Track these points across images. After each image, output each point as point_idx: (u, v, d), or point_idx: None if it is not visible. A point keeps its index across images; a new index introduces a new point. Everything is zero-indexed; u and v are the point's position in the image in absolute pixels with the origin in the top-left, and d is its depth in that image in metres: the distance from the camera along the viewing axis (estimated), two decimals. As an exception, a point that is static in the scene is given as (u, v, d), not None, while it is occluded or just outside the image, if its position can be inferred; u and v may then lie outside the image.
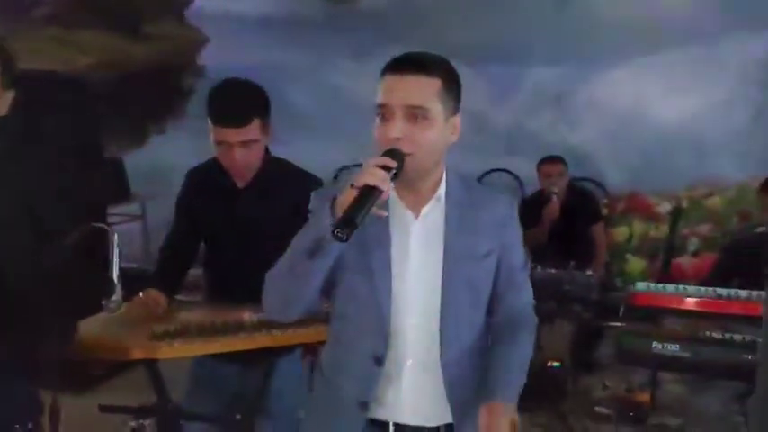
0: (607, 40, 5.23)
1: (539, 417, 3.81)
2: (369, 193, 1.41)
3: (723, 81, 5.07)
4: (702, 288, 2.88)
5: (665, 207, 5.37)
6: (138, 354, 1.97)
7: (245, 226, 2.30)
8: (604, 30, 5.22)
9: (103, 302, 2.13)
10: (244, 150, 2.22)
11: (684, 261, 5.28)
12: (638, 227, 5.47)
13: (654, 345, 2.77)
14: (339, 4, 6.03)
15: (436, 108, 1.52)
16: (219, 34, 6.19)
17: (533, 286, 1.74)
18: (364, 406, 1.61)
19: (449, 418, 1.65)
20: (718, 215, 5.24)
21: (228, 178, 2.33)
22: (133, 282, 2.27)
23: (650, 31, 5.13)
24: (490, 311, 1.68)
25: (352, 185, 1.43)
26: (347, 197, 1.43)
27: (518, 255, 1.69)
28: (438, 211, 1.61)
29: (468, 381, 1.62)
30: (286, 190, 2.29)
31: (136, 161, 6.28)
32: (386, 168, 1.44)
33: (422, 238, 1.60)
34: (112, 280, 2.09)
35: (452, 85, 1.57)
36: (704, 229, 5.28)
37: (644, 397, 4.04)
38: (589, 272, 4.06)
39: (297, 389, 2.39)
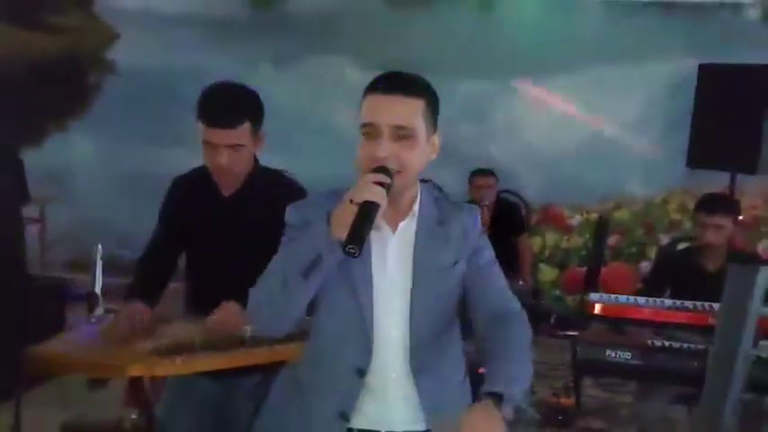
0: (528, 59, 5.45)
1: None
2: (371, 209, 1.45)
3: (633, 103, 5.39)
4: (651, 300, 3.05)
5: (576, 219, 5.64)
6: (136, 371, 1.87)
7: (231, 236, 2.22)
8: (526, 48, 5.43)
9: (88, 317, 2.03)
10: (232, 154, 2.16)
11: (594, 271, 5.56)
12: (551, 237, 5.72)
13: (608, 353, 2.91)
14: (264, 9, 5.95)
15: (420, 128, 1.58)
16: (133, 30, 5.94)
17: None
18: (344, 416, 1.62)
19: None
20: (625, 227, 5.56)
21: (214, 186, 2.25)
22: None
23: (568, 52, 5.38)
24: (470, 319, 1.71)
25: (351, 201, 1.45)
26: (345, 213, 1.46)
27: (486, 254, 1.72)
28: (413, 225, 1.66)
29: (442, 388, 1.65)
30: (274, 201, 2.12)
31: (32, 161, 5.92)
32: (381, 185, 1.49)
33: (398, 252, 1.64)
34: (97, 294, 1.99)
35: (434, 105, 1.64)
36: (613, 240, 5.58)
37: (569, 401, 4.23)
38: (520, 281, 4.21)
39: None
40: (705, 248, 3.36)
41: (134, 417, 2.69)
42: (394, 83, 1.56)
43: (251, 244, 2.11)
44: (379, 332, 1.60)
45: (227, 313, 2.10)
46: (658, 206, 5.41)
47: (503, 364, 1.54)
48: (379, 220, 1.55)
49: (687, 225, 5.21)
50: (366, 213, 1.44)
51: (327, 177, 1.83)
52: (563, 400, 4.26)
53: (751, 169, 4.21)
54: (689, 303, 2.99)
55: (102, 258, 2.12)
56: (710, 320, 2.89)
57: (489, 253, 1.73)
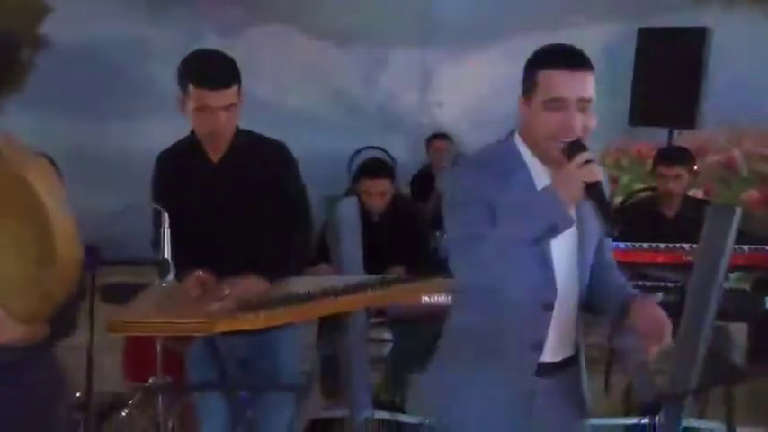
0: (472, 26, 5.67)
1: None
2: (601, 188, 1.70)
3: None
4: (630, 243, 3.34)
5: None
6: (223, 327, 1.98)
7: (225, 200, 2.29)
8: (469, 16, 5.66)
9: (158, 282, 2.12)
10: (226, 115, 2.22)
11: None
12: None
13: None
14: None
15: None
16: (68, 3, 5.78)
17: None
18: (538, 347, 1.85)
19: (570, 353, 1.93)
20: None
21: (202, 154, 2.32)
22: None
23: (509, 19, 5.64)
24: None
25: (585, 183, 1.67)
26: (575, 189, 1.67)
27: None
28: None
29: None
30: (263, 161, 2.32)
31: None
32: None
33: None
34: (167, 260, 2.08)
35: None
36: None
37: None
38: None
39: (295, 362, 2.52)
40: (665, 196, 3.70)
41: (166, 380, 2.78)
42: (578, 60, 1.76)
43: (245, 206, 2.26)
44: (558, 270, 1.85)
45: (200, 276, 2.17)
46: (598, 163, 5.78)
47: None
48: (545, 176, 1.81)
49: (624, 180, 5.62)
50: (601, 192, 1.69)
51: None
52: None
53: (690, 124, 4.62)
54: (662, 245, 3.30)
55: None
56: (684, 259, 3.21)
57: None
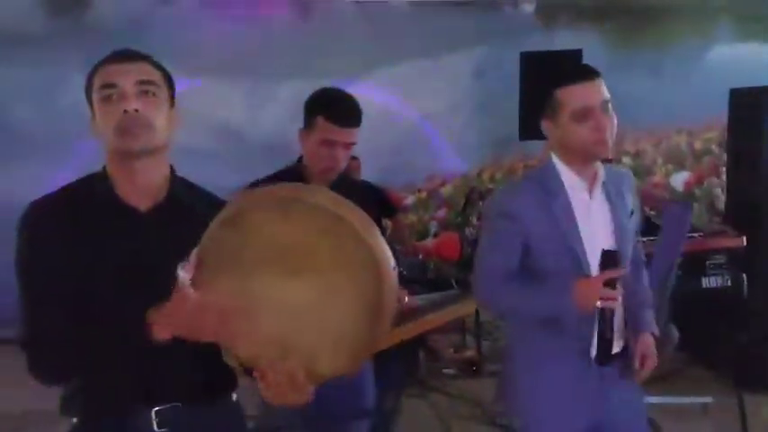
0: (350, 58, 5.87)
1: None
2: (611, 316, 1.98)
3: (446, 90, 6.11)
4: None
5: (410, 199, 6.24)
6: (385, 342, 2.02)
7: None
8: (346, 49, 5.86)
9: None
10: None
11: (428, 242, 6.23)
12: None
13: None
14: (61, 17, 5.58)
15: None
16: None
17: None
18: (586, 352, 2.07)
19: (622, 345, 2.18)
20: (450, 201, 6.28)
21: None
22: None
23: (384, 50, 5.92)
24: None
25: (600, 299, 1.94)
26: (592, 297, 1.92)
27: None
28: (601, 191, 2.10)
29: None
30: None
31: None
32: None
33: (600, 213, 2.08)
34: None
35: None
36: (441, 213, 6.28)
37: (471, 353, 4.83)
38: (420, 255, 4.67)
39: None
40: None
41: None
42: (588, 71, 2.05)
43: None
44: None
45: None
46: (475, 179, 6.21)
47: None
48: (580, 188, 2.04)
49: (504, 191, 6.08)
50: (609, 320, 1.97)
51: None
52: (466, 353, 4.86)
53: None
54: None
55: None
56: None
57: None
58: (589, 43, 5.65)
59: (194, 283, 1.43)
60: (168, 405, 1.58)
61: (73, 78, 5.45)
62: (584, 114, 1.96)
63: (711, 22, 6.51)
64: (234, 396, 1.71)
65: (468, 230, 6.27)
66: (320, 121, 2.34)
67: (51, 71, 5.36)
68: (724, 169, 5.42)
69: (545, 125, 2.08)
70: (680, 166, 6.57)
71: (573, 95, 1.98)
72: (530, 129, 5.21)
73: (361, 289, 1.38)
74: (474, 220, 5.04)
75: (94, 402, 1.57)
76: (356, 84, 5.94)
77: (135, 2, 5.64)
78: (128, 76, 1.57)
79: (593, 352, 2.05)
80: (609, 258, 1.93)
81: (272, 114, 5.93)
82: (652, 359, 2.12)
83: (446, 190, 6.28)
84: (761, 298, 3.83)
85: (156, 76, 1.62)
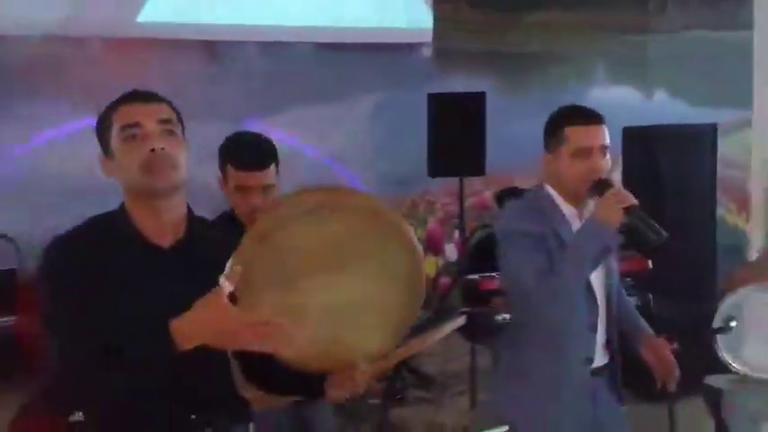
0: (254, 100, 5.95)
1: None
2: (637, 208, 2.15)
3: (349, 131, 6.28)
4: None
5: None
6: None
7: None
8: (251, 90, 5.93)
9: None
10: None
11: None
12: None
13: (496, 318, 3.75)
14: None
15: None
16: None
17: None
18: (590, 360, 2.27)
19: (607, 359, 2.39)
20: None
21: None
22: None
23: (287, 92, 6.04)
24: None
25: (624, 208, 2.11)
26: (616, 214, 2.10)
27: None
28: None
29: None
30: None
31: None
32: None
33: None
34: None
35: None
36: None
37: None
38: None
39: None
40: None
41: None
42: (596, 116, 2.27)
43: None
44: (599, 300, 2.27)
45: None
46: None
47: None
48: (574, 215, 2.24)
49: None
50: (639, 212, 2.11)
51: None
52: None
53: (479, 172, 5.45)
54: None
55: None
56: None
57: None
58: (482, 86, 6.02)
59: (234, 299, 1.47)
60: None
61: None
62: (584, 153, 2.20)
63: (589, 66, 7.11)
64: (251, 427, 1.73)
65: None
66: (230, 169, 2.38)
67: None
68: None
69: (544, 157, 2.29)
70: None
71: (578, 134, 2.21)
72: (438, 166, 5.48)
73: (401, 271, 1.53)
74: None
75: None
76: (260, 125, 6.03)
77: (41, 42, 5.46)
78: (150, 116, 1.63)
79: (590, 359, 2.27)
80: (603, 184, 2.16)
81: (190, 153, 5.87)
82: (666, 360, 2.38)
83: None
84: (665, 314, 4.19)
85: (173, 115, 1.68)
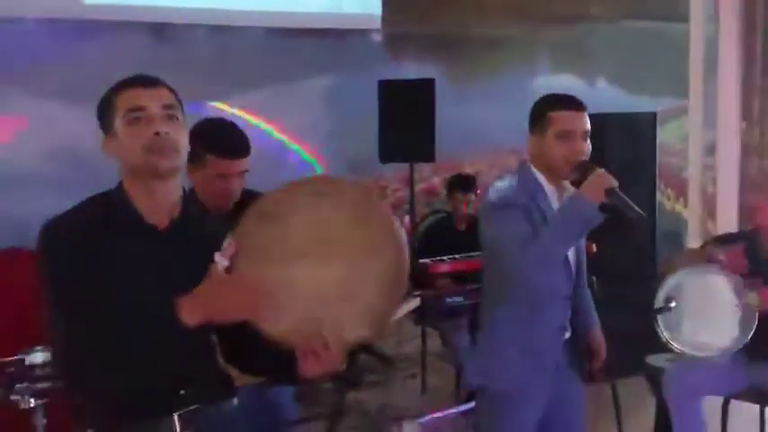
0: (210, 82, 5.92)
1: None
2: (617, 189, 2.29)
3: (301, 115, 6.30)
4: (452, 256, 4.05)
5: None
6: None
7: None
8: (208, 73, 5.90)
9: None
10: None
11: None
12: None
13: (447, 300, 3.86)
14: None
15: None
16: None
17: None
18: (564, 328, 2.49)
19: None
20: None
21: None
22: None
23: (243, 74, 6.03)
24: None
25: (607, 189, 2.25)
26: (599, 190, 2.24)
27: None
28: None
29: None
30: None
31: None
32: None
33: None
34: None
35: None
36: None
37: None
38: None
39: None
40: (460, 216, 4.55)
41: None
42: (579, 103, 2.44)
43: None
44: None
45: None
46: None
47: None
48: (551, 189, 2.43)
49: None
50: (618, 193, 2.25)
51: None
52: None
53: (428, 158, 5.55)
54: (474, 253, 4.05)
55: None
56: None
57: None
58: (432, 72, 6.12)
59: (231, 271, 1.58)
60: (190, 408, 1.67)
61: None
62: (567, 136, 2.37)
63: (534, 54, 7.27)
64: (235, 400, 1.83)
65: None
66: (211, 158, 2.38)
67: None
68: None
69: (530, 139, 2.45)
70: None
71: (562, 118, 2.38)
72: (389, 152, 5.56)
73: (385, 265, 1.61)
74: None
75: (115, 412, 1.62)
76: (210, 108, 6.00)
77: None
78: (154, 100, 1.69)
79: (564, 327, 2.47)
80: (585, 165, 2.33)
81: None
82: (603, 352, 2.62)
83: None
84: (610, 295, 4.37)
85: (174, 101, 1.74)
